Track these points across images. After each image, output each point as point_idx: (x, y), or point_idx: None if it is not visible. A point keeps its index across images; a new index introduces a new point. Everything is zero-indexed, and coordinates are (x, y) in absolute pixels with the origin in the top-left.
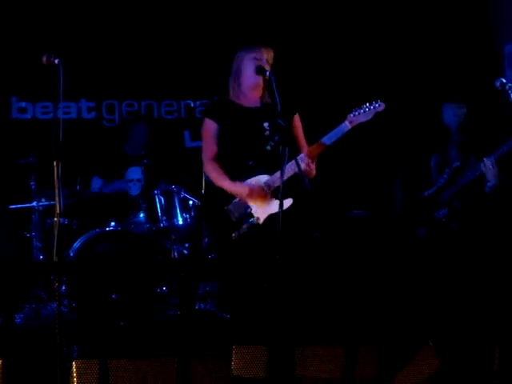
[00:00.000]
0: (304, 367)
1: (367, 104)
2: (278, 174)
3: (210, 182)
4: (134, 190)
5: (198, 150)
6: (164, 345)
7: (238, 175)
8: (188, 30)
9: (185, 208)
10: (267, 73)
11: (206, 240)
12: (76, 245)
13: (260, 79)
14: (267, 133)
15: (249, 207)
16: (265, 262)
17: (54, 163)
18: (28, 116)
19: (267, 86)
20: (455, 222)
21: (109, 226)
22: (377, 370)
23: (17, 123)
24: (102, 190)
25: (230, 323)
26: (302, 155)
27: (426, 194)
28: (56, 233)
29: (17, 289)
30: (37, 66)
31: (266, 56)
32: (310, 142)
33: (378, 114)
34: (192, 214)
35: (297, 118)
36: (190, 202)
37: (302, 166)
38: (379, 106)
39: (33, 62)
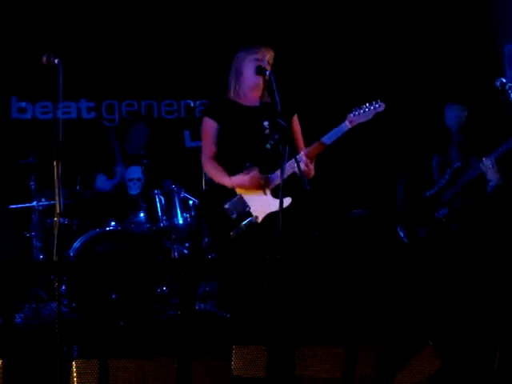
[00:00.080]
0: (304, 367)
1: (367, 104)
2: (277, 172)
3: (210, 182)
4: (134, 189)
5: (198, 150)
6: (164, 345)
7: (236, 174)
8: (188, 30)
9: (185, 208)
10: (267, 73)
11: (206, 240)
12: (76, 245)
13: (260, 79)
14: (267, 131)
15: (247, 206)
16: (265, 261)
17: (54, 163)
18: (28, 116)
19: (267, 85)
20: (456, 221)
21: (109, 226)
22: (377, 369)
23: (17, 123)
24: (108, 184)
25: (230, 323)
26: (300, 155)
27: (428, 194)
28: (56, 233)
29: (17, 289)
30: (37, 65)
31: (267, 56)
32: (310, 142)
33: (378, 115)
34: (192, 213)
35: (295, 119)
36: (190, 202)
37: (301, 165)
38: (379, 106)
39: (33, 62)
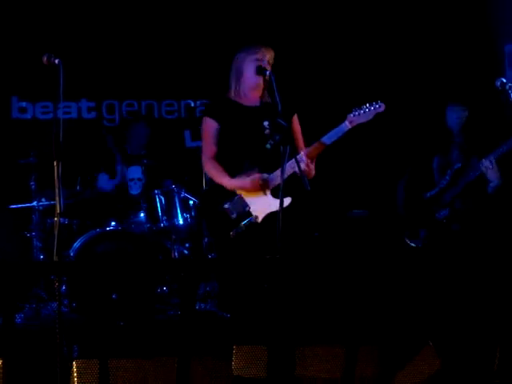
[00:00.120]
0: (304, 367)
1: (367, 104)
2: (277, 172)
3: (210, 182)
4: (135, 189)
5: (199, 150)
6: (164, 345)
7: (236, 174)
8: (188, 31)
9: (185, 208)
10: (267, 73)
11: (207, 240)
12: (76, 245)
13: (260, 79)
14: (267, 131)
15: (247, 206)
16: (265, 261)
17: (54, 163)
18: (28, 116)
19: (267, 86)
20: (456, 222)
21: (109, 226)
22: (377, 370)
23: (17, 123)
24: (109, 184)
25: (230, 323)
26: (301, 155)
27: (428, 195)
28: (56, 233)
29: (17, 289)
30: (37, 65)
31: (267, 56)
32: (310, 142)
33: (379, 115)
34: (192, 213)
35: (295, 119)
36: (191, 202)
37: (302, 165)
38: (379, 106)
39: (33, 62)
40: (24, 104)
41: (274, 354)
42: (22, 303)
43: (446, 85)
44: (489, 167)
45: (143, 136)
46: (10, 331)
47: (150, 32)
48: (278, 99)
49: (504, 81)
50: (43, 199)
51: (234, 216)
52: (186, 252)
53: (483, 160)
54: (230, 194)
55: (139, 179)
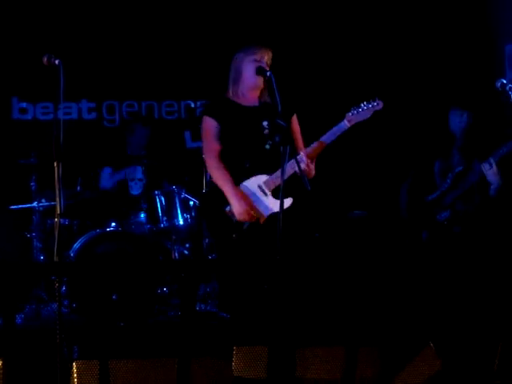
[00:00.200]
0: (304, 368)
1: (365, 103)
2: (277, 173)
3: (210, 183)
4: (136, 189)
5: (199, 151)
6: (165, 345)
7: (236, 175)
8: (188, 31)
9: (185, 208)
10: (268, 73)
11: (207, 240)
12: (76, 245)
13: (260, 80)
14: (266, 131)
15: None
16: (265, 262)
17: (55, 164)
18: (28, 117)
19: (267, 86)
20: (457, 224)
21: (109, 227)
22: (377, 370)
23: (17, 124)
24: (112, 180)
25: (230, 324)
26: (301, 155)
27: (430, 198)
28: (56, 233)
29: (17, 289)
30: (37, 66)
31: (265, 57)
32: (309, 142)
33: (382, 117)
34: (193, 214)
35: (294, 119)
36: (191, 203)
37: (302, 165)
38: (377, 104)
39: (33, 63)
40: (24, 105)
41: (274, 354)
42: (22, 304)
43: (447, 86)
44: (489, 169)
45: (143, 137)
46: (10, 332)
47: (150, 33)
48: (278, 99)
49: (504, 82)
50: (43, 200)
51: (235, 219)
52: (186, 252)
53: (484, 162)
54: None
55: (140, 179)
